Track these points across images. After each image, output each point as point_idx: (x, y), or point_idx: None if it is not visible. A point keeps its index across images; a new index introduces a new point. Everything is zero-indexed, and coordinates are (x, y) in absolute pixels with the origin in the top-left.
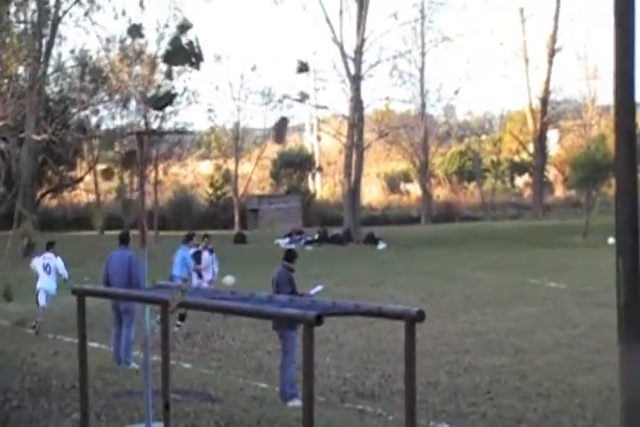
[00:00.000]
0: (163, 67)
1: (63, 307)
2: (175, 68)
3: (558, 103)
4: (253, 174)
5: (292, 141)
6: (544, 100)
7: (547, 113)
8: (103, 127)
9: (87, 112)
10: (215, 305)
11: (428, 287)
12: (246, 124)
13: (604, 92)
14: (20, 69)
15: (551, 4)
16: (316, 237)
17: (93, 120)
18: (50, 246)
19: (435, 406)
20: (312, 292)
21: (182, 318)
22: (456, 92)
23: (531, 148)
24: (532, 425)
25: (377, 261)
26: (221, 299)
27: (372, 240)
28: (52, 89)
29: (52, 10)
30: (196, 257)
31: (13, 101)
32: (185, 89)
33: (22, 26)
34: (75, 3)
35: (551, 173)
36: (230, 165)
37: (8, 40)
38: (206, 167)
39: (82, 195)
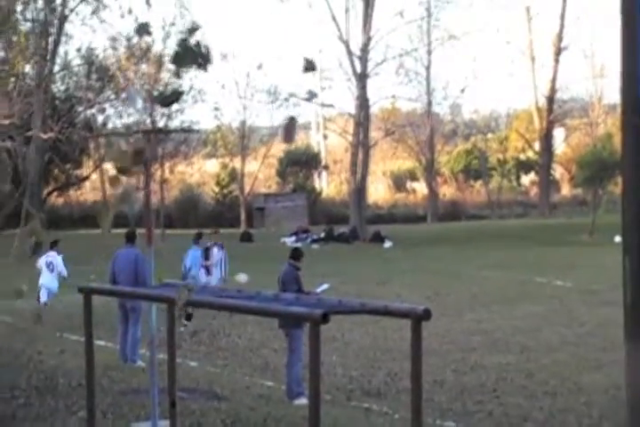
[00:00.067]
0: (169, 65)
1: (69, 305)
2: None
3: (565, 102)
4: (259, 173)
5: (298, 140)
6: (550, 99)
7: (553, 111)
8: (110, 126)
9: (94, 110)
10: (221, 303)
11: (434, 286)
12: (252, 122)
13: (611, 91)
14: (27, 68)
15: (557, 2)
16: (323, 235)
17: (100, 118)
18: (53, 245)
19: (441, 404)
20: (318, 290)
21: (189, 317)
22: (462, 91)
23: (537, 146)
24: (538, 424)
25: (383, 260)
26: (227, 297)
27: (378, 238)
28: (58, 87)
29: (59, 8)
30: (205, 253)
31: (20, 100)
32: (191, 87)
33: (29, 24)
34: (81, 1)
35: (557, 171)
36: (236, 163)
37: (15, 38)
38: (212, 166)
39: (88, 193)
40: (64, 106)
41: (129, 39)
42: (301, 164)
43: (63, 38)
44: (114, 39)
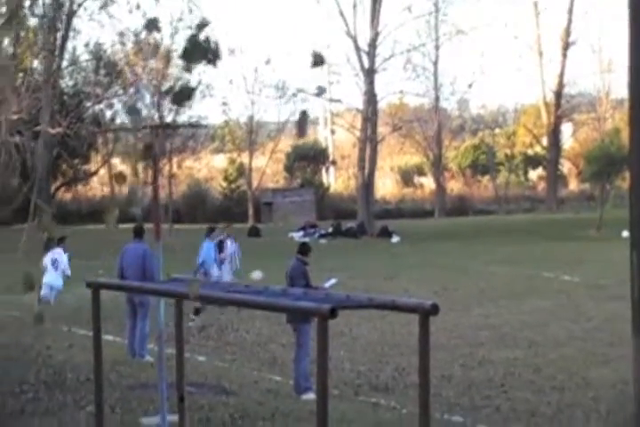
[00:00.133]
0: (177, 60)
1: (78, 299)
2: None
3: (572, 97)
4: (267, 168)
5: (302, 138)
6: (558, 94)
7: (561, 106)
8: (118, 121)
9: (102, 106)
10: (229, 298)
11: (442, 281)
12: (260, 117)
13: (619, 86)
14: (35, 63)
15: None
16: (330, 230)
17: (108, 114)
18: (60, 242)
19: (449, 399)
20: (326, 285)
21: (197, 312)
22: (470, 86)
23: (544, 141)
24: (546, 418)
25: (391, 255)
26: (235, 292)
27: (385, 233)
28: (66, 83)
29: (67, 3)
30: (219, 246)
31: (28, 95)
32: (199, 82)
33: (37, 19)
34: None
35: (565, 166)
36: (244, 158)
37: (23, 34)
38: (220, 161)
39: (96, 188)
40: (72, 101)
41: (137, 34)
42: (309, 159)
43: (71, 33)
44: (122, 34)
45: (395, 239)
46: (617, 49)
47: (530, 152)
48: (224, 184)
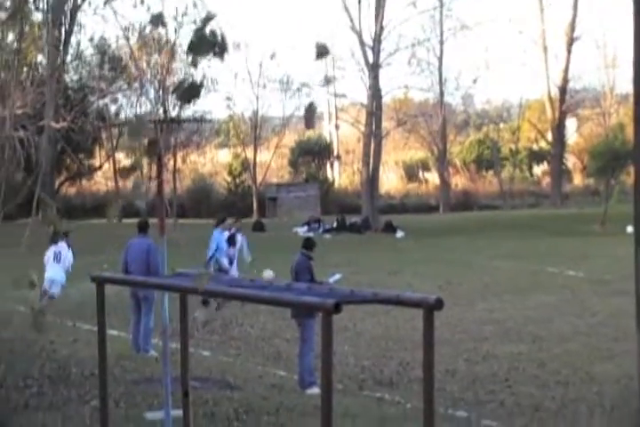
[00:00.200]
0: (182, 55)
1: (82, 294)
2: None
3: (577, 92)
4: (272, 163)
5: (310, 130)
6: (563, 89)
7: (565, 101)
8: (122, 115)
9: (106, 100)
10: (234, 293)
11: (446, 275)
12: (265, 112)
13: (623, 81)
14: (40, 57)
15: None
16: (335, 225)
17: (112, 108)
18: (64, 236)
19: (453, 393)
20: (330, 280)
21: (205, 302)
22: (474, 81)
23: (549, 136)
24: (550, 413)
25: (395, 250)
26: (240, 287)
27: (390, 228)
28: (71, 77)
29: None
30: (231, 240)
31: (32, 89)
32: (204, 77)
33: (42, 14)
34: None
35: (570, 161)
36: (249, 153)
37: (27, 28)
38: (225, 155)
39: (101, 183)
40: (77, 95)
41: (141, 29)
42: (314, 154)
43: (75, 28)
44: (126, 29)
45: (399, 234)
46: (622, 44)
47: (534, 147)
48: (228, 179)
